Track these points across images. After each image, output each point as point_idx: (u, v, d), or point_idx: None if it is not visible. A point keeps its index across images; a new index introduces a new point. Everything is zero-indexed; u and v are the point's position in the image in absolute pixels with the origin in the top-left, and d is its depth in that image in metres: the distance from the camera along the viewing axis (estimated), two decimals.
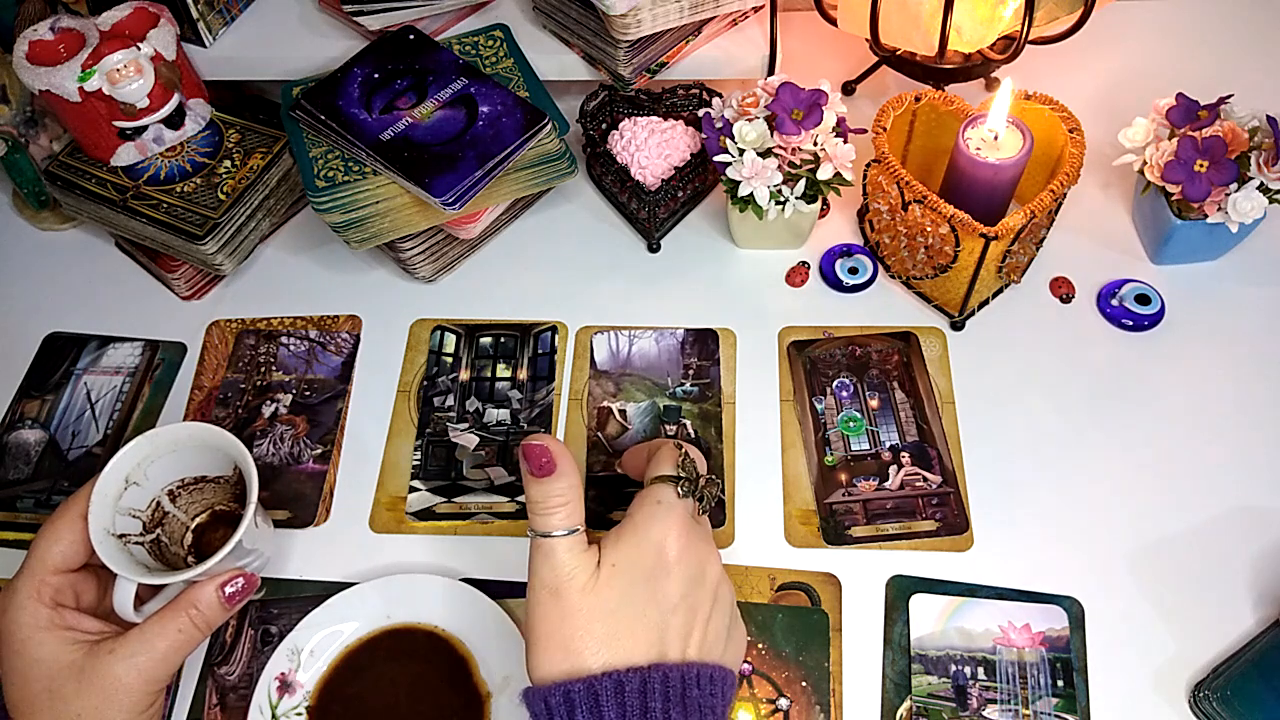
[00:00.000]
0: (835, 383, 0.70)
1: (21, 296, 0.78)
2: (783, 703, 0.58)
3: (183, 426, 0.59)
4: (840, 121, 0.69)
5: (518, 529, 0.65)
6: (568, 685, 0.45)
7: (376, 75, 0.72)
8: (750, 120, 0.68)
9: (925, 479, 0.65)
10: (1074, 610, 0.60)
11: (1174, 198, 0.69)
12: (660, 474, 0.52)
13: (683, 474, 0.52)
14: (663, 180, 0.73)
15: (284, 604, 0.62)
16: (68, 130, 0.76)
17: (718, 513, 0.65)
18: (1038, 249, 0.74)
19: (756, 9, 0.77)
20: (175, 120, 0.74)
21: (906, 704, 0.57)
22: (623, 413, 0.69)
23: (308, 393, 0.71)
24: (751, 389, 0.70)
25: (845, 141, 0.68)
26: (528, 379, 0.71)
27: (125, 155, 0.73)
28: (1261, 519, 0.63)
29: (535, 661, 0.47)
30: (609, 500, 0.65)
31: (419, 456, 0.68)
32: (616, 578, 0.48)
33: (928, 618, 0.60)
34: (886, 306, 0.74)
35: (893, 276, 0.75)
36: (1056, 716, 0.57)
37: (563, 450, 0.50)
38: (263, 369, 0.73)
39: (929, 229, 0.67)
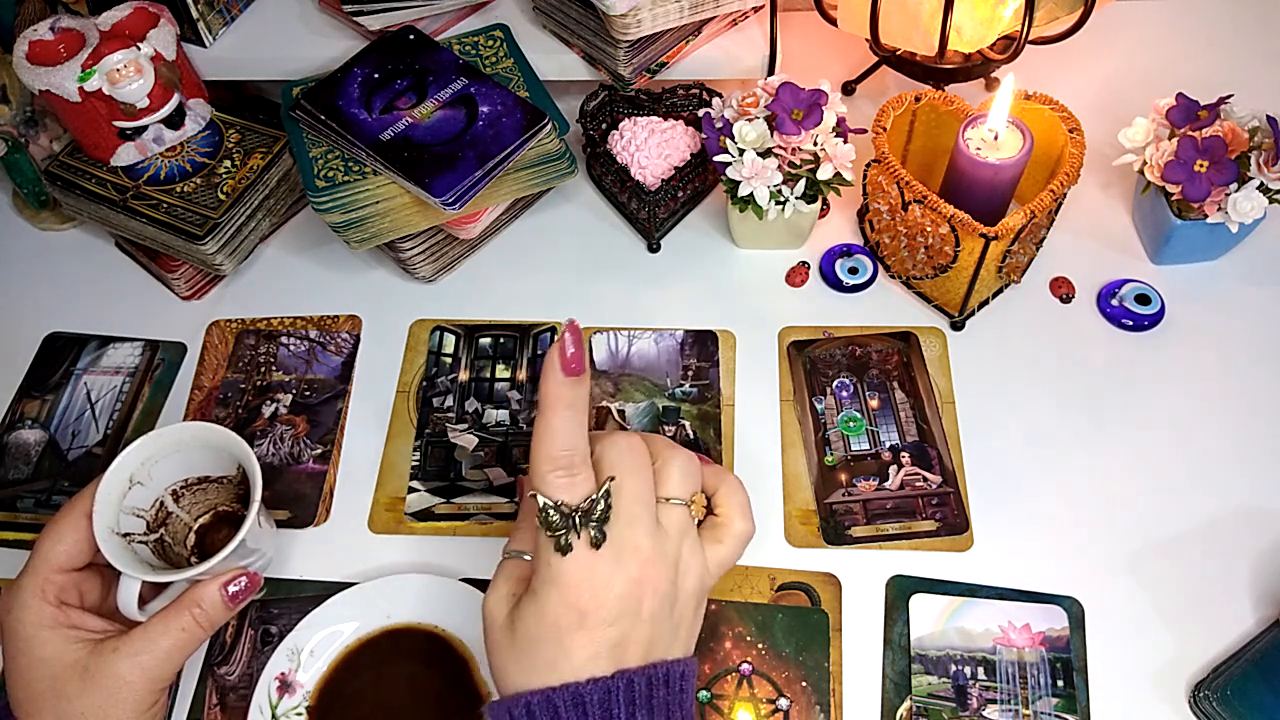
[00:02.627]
0: (835, 383, 0.70)
1: (21, 296, 0.78)
2: (783, 703, 0.58)
3: (186, 426, 0.59)
4: (840, 121, 0.69)
5: None
6: (528, 697, 0.45)
7: (376, 75, 0.72)
8: (750, 120, 0.68)
9: (925, 479, 0.65)
10: (1074, 610, 0.60)
11: (1174, 198, 0.69)
12: (541, 534, 0.47)
13: (551, 529, 0.45)
14: (663, 180, 0.73)
15: (284, 604, 0.62)
16: (68, 130, 0.76)
17: None
18: (1038, 249, 0.74)
19: (756, 9, 0.77)
20: (175, 120, 0.74)
21: (906, 704, 0.57)
22: (621, 413, 0.69)
23: (308, 393, 0.71)
24: (751, 389, 0.70)
25: (845, 141, 0.68)
26: (527, 380, 0.71)
27: (125, 155, 0.73)
28: (1261, 519, 0.63)
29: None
30: None
31: (418, 457, 0.68)
32: (523, 626, 0.46)
33: (928, 618, 0.60)
34: (886, 306, 0.74)
35: (893, 276, 0.75)
36: (1056, 716, 0.57)
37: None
38: (263, 369, 0.73)
39: (929, 229, 0.67)
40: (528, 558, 0.48)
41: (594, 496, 0.46)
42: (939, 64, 0.74)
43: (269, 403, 0.71)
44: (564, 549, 0.45)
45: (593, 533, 0.46)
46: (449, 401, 0.71)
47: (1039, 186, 0.67)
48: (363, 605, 0.60)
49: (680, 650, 0.48)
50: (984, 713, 0.57)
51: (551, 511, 0.45)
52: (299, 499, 0.66)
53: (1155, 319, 0.71)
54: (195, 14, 0.75)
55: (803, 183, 0.69)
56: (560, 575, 0.45)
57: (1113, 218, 0.78)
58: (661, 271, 0.77)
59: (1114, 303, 0.72)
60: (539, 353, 0.73)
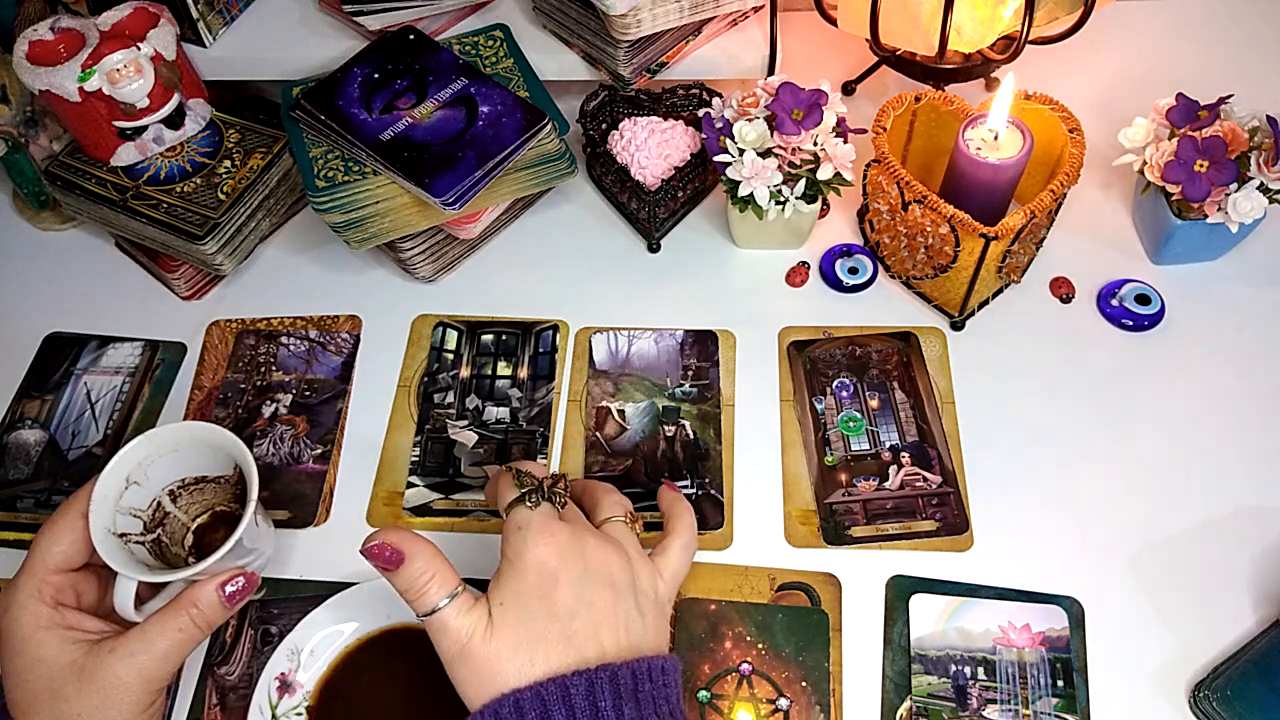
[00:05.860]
0: (835, 383, 0.70)
1: (21, 296, 0.78)
2: (783, 703, 0.58)
3: (183, 426, 0.59)
4: (840, 121, 0.69)
5: None
6: (516, 694, 0.46)
7: (376, 75, 0.72)
8: (750, 120, 0.68)
9: (925, 479, 0.65)
10: (1074, 610, 0.60)
11: (1174, 198, 0.69)
12: (508, 500, 0.52)
13: (523, 489, 0.52)
14: (663, 180, 0.73)
15: (284, 604, 0.62)
16: (68, 130, 0.76)
17: (716, 514, 0.65)
18: (1038, 249, 0.74)
19: (756, 9, 0.77)
20: (175, 120, 0.74)
21: (906, 704, 0.57)
22: (621, 413, 0.69)
23: (308, 393, 0.71)
24: (752, 389, 0.70)
25: (845, 141, 0.68)
26: (528, 377, 0.71)
27: (125, 155, 0.73)
28: (1261, 519, 0.63)
29: (470, 706, 0.48)
30: None
31: (418, 452, 0.68)
32: (508, 612, 0.49)
33: (928, 618, 0.60)
34: (886, 306, 0.74)
35: (893, 276, 0.75)
36: (1056, 716, 0.57)
37: (401, 533, 0.51)
38: (263, 369, 0.73)
39: (929, 229, 0.67)
40: (459, 590, 0.50)
41: (554, 475, 0.53)
42: (939, 64, 0.74)
43: (269, 403, 0.71)
44: (534, 505, 0.51)
45: (557, 503, 0.52)
46: (450, 398, 0.71)
47: (1039, 186, 0.67)
48: (363, 605, 0.60)
49: (653, 645, 0.51)
50: (984, 713, 0.57)
51: (523, 475, 0.52)
52: (299, 499, 0.66)
53: (1155, 319, 0.71)
54: (195, 14, 0.75)
55: (803, 183, 0.69)
56: (532, 533, 0.50)
57: (1113, 218, 0.78)
58: (661, 271, 0.77)
59: (1114, 303, 0.72)
60: (540, 350, 0.73)
